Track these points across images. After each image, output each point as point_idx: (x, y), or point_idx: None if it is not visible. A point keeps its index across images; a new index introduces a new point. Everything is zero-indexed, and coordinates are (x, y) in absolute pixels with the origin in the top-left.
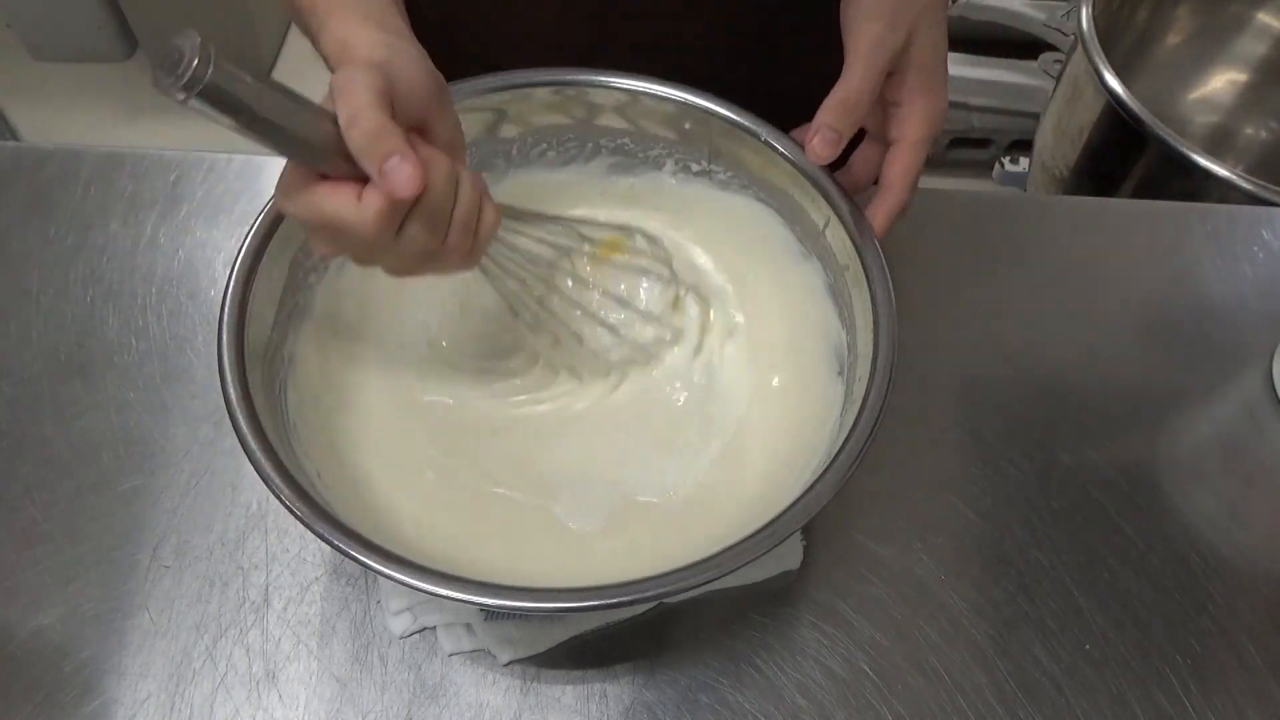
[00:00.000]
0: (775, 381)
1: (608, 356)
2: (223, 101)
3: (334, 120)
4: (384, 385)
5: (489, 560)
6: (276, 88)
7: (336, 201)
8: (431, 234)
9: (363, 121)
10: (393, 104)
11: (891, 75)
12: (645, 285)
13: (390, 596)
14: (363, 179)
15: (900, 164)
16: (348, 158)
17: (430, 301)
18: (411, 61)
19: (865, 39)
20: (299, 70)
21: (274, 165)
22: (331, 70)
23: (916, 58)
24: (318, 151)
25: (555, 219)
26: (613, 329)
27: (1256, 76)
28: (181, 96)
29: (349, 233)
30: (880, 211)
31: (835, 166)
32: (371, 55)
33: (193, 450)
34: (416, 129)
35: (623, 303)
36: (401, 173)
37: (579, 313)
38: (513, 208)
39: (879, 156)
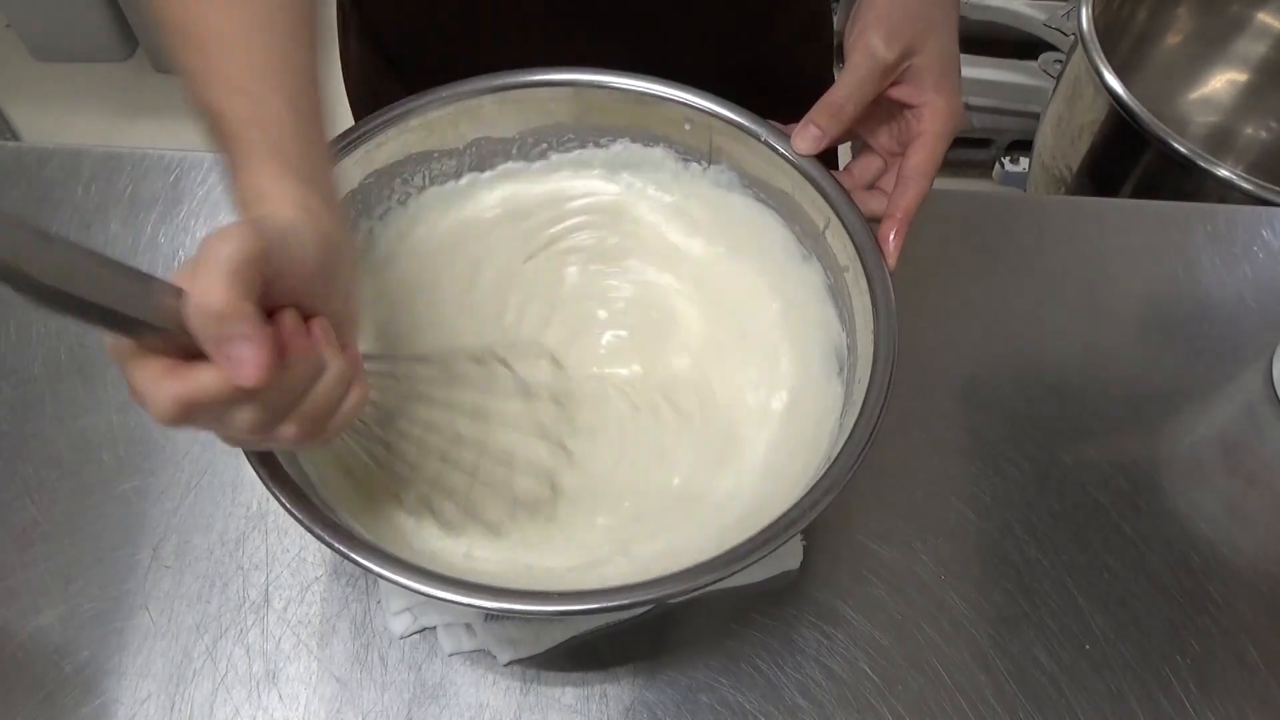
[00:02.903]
0: (775, 383)
1: (510, 489)
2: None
3: (175, 292)
4: (385, 386)
5: (489, 560)
6: (83, 253)
7: (139, 378)
8: (266, 420)
9: (211, 292)
10: (268, 275)
11: (899, 84)
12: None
13: (390, 597)
14: (193, 351)
15: (919, 156)
16: (181, 331)
17: (437, 313)
18: (313, 221)
19: (859, 49)
20: None
21: None
22: (237, 208)
23: (924, 63)
24: (136, 327)
25: (422, 359)
26: (508, 462)
27: (1256, 76)
28: None
29: (152, 410)
30: (902, 203)
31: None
32: (276, 207)
33: (193, 450)
34: (300, 302)
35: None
36: (246, 358)
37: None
38: (381, 358)
39: (878, 166)
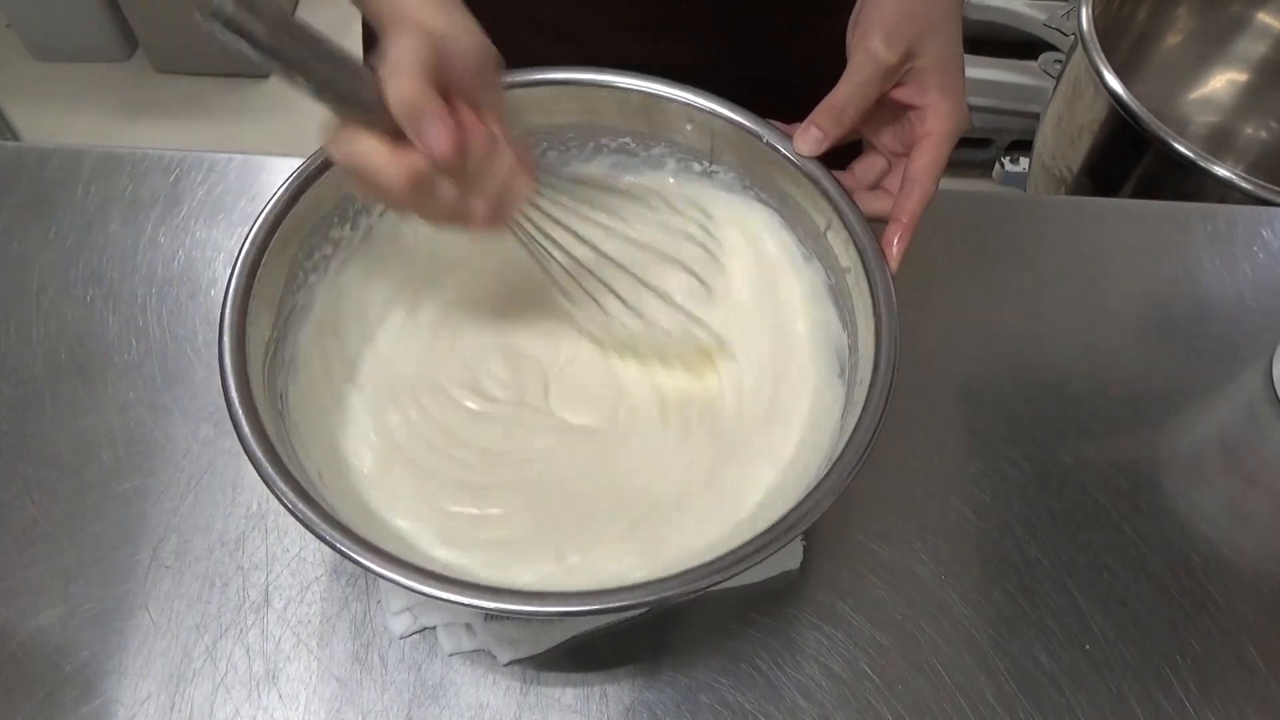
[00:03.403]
0: (775, 383)
1: (629, 335)
2: (249, 37)
3: (375, 76)
4: (385, 385)
5: (487, 560)
6: (316, 38)
7: (373, 155)
8: (460, 195)
9: (403, 81)
10: (440, 72)
11: (902, 85)
12: (681, 276)
13: (390, 596)
14: (401, 134)
15: (924, 158)
16: (387, 114)
17: (436, 307)
18: (465, 31)
19: (861, 50)
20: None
21: (274, 166)
22: (379, 32)
23: (927, 64)
24: (355, 104)
25: (602, 187)
26: (636, 312)
27: (1256, 76)
28: (208, 27)
29: (382, 185)
30: (907, 206)
31: (836, 168)
32: (424, 20)
33: (193, 450)
34: (465, 98)
35: (652, 289)
36: (437, 135)
37: (606, 288)
38: (555, 177)
39: (882, 166)
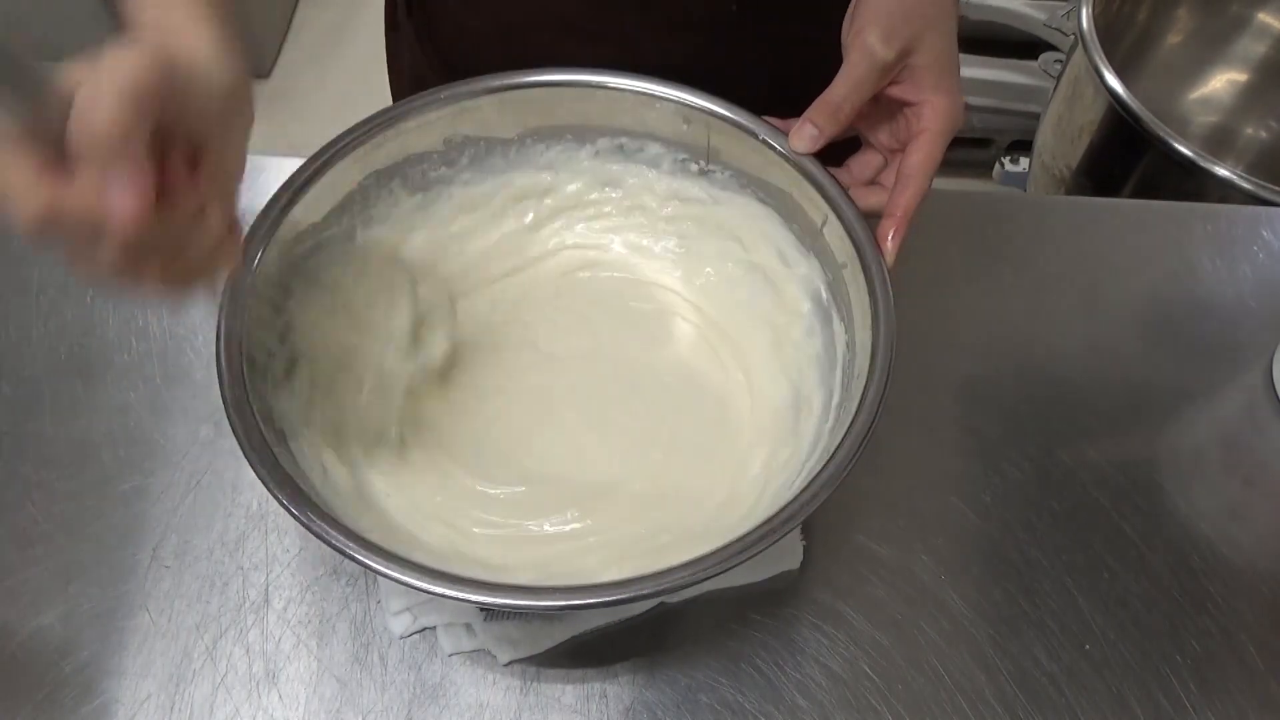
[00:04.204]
0: (773, 379)
1: None
2: None
3: (66, 102)
4: (384, 384)
5: (488, 558)
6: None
7: (6, 171)
8: (131, 261)
9: (102, 107)
10: (166, 106)
11: (898, 83)
12: None
13: (390, 596)
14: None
15: (918, 155)
16: (59, 133)
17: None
18: (216, 58)
19: (856, 47)
20: (301, 73)
21: (274, 166)
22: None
23: (923, 61)
24: (21, 108)
25: None
26: None
27: (1256, 76)
28: None
29: (15, 211)
30: (901, 202)
31: (833, 165)
32: (168, 33)
33: (193, 450)
34: (187, 146)
35: None
36: (122, 192)
37: None
38: None
39: (878, 163)
